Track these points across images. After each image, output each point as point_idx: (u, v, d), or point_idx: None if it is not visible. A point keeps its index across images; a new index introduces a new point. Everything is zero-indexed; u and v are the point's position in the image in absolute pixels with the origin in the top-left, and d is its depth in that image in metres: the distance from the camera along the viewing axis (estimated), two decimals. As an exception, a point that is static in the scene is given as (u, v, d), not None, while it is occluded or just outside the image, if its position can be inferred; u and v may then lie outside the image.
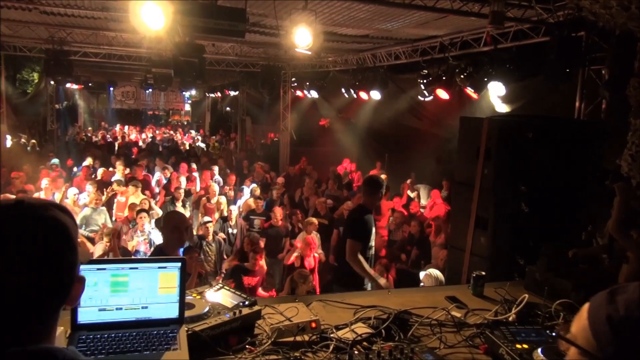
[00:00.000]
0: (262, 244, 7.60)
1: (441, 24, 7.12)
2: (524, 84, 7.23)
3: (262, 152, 16.89)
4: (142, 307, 2.12)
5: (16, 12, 7.98)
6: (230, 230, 8.70)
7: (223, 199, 9.72)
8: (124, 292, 2.09)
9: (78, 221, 8.16)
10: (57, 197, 8.94)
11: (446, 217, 9.39)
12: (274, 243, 8.25)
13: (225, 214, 9.09)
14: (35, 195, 8.79)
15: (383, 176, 11.14)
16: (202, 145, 20.36)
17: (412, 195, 10.46)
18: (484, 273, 3.26)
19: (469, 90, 7.43)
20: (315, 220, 8.00)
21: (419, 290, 3.68)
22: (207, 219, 8.21)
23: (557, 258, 3.39)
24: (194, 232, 7.84)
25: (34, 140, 16.08)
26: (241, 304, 2.65)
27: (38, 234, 1.02)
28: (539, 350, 2.05)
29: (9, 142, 13.55)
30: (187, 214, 8.82)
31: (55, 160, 12.16)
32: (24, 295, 1.00)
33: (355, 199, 9.15)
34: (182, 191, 9.59)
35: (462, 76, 7.44)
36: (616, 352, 0.93)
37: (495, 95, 7.34)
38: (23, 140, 15.44)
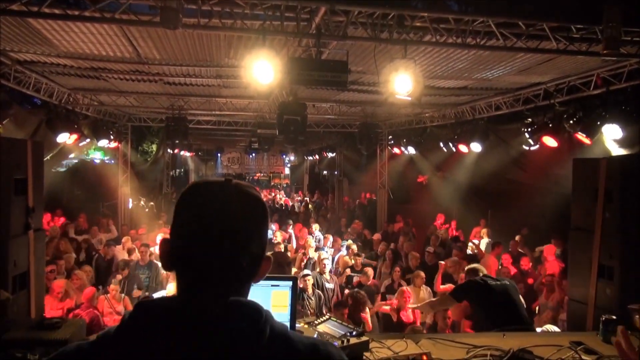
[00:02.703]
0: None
1: (545, 69, 6.90)
2: (644, 125, 6.68)
3: (359, 211, 16.97)
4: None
5: (144, 85, 9.09)
6: (326, 285, 8.64)
7: (323, 253, 9.80)
8: (238, 309, 2.15)
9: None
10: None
11: (560, 276, 8.63)
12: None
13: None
14: (152, 249, 9.54)
15: (484, 232, 10.62)
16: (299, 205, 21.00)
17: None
18: (615, 317, 2.92)
19: (580, 136, 6.99)
20: (422, 273, 7.76)
21: (539, 334, 3.35)
22: (306, 272, 8.29)
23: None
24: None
25: (152, 203, 17.61)
26: (349, 333, 2.60)
27: (244, 208, 1.11)
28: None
29: (130, 204, 14.98)
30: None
31: None
32: (230, 260, 1.08)
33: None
34: (281, 246, 9.84)
35: (571, 121, 7.05)
36: None
37: (611, 139, 6.83)
38: (142, 202, 16.97)
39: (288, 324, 2.17)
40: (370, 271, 8.51)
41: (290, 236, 11.84)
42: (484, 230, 10.91)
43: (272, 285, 2.18)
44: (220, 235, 1.07)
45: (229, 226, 1.08)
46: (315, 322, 2.77)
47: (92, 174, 15.66)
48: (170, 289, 7.36)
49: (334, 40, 5.33)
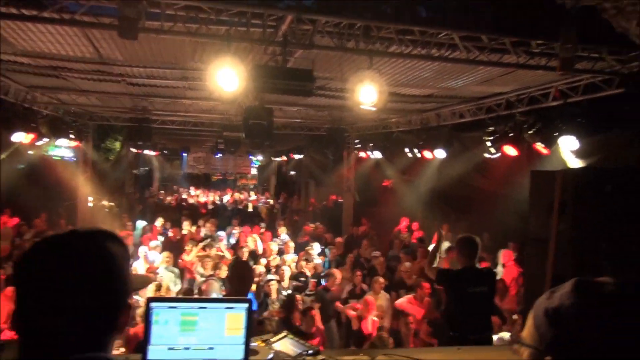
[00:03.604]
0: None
1: (506, 81, 7.08)
2: (599, 137, 6.93)
3: (323, 214, 17.00)
4: (209, 348, 2.12)
5: (107, 84, 8.84)
6: (282, 292, 8.54)
7: (286, 260, 9.74)
8: (192, 332, 2.11)
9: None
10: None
11: (517, 281, 8.86)
12: (325, 306, 7.63)
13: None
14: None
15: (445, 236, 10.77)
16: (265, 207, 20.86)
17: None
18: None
19: (539, 146, 7.21)
20: (382, 280, 7.79)
21: (491, 349, 3.43)
22: (270, 277, 8.25)
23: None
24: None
25: (112, 203, 17.18)
26: (304, 352, 2.59)
27: (88, 261, 1.08)
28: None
29: (90, 204, 14.55)
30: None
31: (143, 223, 12.90)
32: (75, 320, 1.05)
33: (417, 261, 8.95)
34: (245, 250, 9.73)
35: (530, 132, 7.26)
36: (554, 339, 1.07)
37: (568, 150, 7.06)
38: (104, 202, 16.54)
39: (243, 348, 2.14)
40: (338, 274, 8.39)
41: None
42: (445, 234, 11.04)
43: (226, 308, 2.15)
44: (59, 296, 1.04)
45: (72, 284, 1.05)
46: (272, 340, 2.75)
47: (51, 172, 15.08)
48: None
49: (300, 49, 5.32)
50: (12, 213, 11.95)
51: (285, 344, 2.68)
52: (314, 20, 4.87)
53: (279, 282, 8.28)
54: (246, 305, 2.17)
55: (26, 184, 14.23)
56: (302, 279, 8.81)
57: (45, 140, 11.00)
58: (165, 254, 8.98)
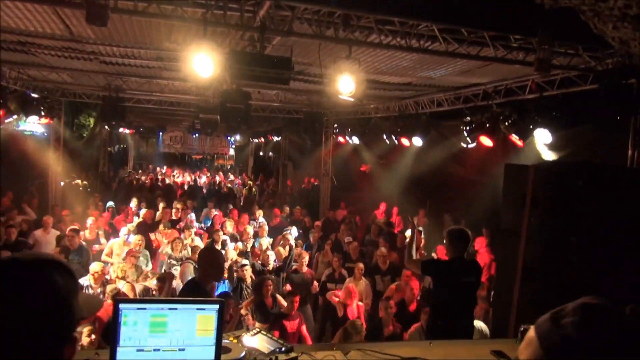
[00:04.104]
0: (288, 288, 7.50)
1: (484, 72, 7.12)
2: (572, 131, 7.05)
3: (301, 197, 17.00)
4: (180, 349, 2.11)
5: (78, 62, 8.55)
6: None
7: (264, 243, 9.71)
8: (162, 333, 2.09)
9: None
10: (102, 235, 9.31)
11: (489, 267, 9.07)
12: (298, 290, 7.68)
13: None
14: (81, 233, 9.13)
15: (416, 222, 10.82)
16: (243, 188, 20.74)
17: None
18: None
19: (514, 138, 7.30)
20: (361, 265, 7.88)
21: (463, 343, 3.50)
22: (244, 261, 8.21)
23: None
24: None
25: (85, 182, 16.80)
26: (277, 349, 2.60)
27: (27, 292, 1.03)
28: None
29: (62, 183, 14.22)
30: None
31: (111, 203, 12.66)
32: (16, 350, 1.00)
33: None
34: (220, 233, 9.66)
35: (506, 123, 7.33)
36: None
37: (542, 142, 7.17)
38: (77, 181, 16.17)
39: (214, 349, 2.13)
40: (305, 256, 8.42)
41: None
42: (420, 220, 11.16)
43: (197, 309, 2.13)
44: (3, 325, 1.00)
45: (13, 315, 1.01)
46: (244, 336, 2.74)
47: (21, 149, 14.59)
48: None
49: (278, 36, 5.22)
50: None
51: (257, 340, 2.68)
52: (293, 7, 4.78)
53: (263, 266, 8.30)
54: (217, 306, 2.15)
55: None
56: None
57: (14, 117, 10.66)
58: (138, 237, 8.86)
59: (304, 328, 6.51)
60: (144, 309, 2.07)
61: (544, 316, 1.08)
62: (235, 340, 2.68)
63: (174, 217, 11.34)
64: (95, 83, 10.56)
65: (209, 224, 11.55)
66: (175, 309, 2.11)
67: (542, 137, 6.97)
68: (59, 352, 1.07)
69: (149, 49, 7.27)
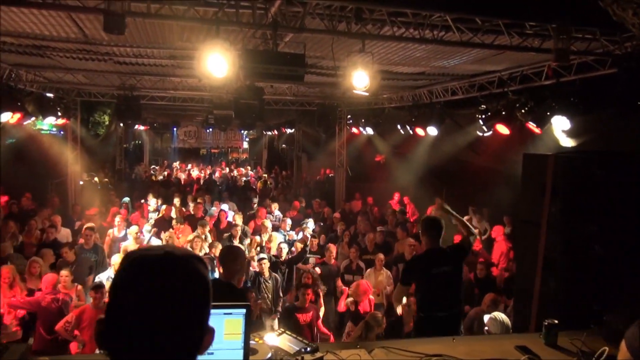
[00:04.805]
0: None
1: (499, 60, 7.02)
2: (591, 117, 6.93)
3: (317, 188, 17.02)
4: (208, 353, 2.14)
5: (93, 63, 8.64)
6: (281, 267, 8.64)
7: (278, 236, 9.76)
8: (191, 338, 2.13)
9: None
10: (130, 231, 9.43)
11: (507, 256, 9.03)
12: (325, 282, 7.97)
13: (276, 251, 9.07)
14: (110, 231, 9.28)
15: (434, 212, 10.72)
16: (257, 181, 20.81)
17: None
18: (557, 322, 3.08)
19: (531, 125, 7.21)
20: (381, 256, 7.91)
21: (486, 338, 3.51)
22: (262, 255, 8.28)
23: None
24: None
25: (106, 179, 17.02)
26: (303, 349, 2.63)
27: (185, 286, 1.09)
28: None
29: (81, 182, 14.42)
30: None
31: (126, 199, 12.80)
32: (168, 342, 1.06)
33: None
34: (239, 228, 9.74)
35: (523, 111, 7.24)
36: None
37: (560, 129, 7.07)
38: (96, 179, 16.38)
39: (242, 352, 2.17)
40: (333, 248, 8.54)
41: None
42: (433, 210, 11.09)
43: (224, 314, 2.16)
44: (157, 319, 1.05)
45: (167, 309, 1.06)
46: (269, 336, 2.78)
47: (39, 148, 14.79)
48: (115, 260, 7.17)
49: (290, 32, 5.20)
50: (1, 191, 11.80)
51: (283, 340, 2.72)
52: (304, 3, 4.75)
53: (277, 258, 8.37)
54: (244, 310, 2.19)
55: (13, 160, 14.03)
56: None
57: (32, 119, 10.82)
58: (167, 234, 8.99)
59: (318, 321, 6.55)
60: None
61: (634, 325, 1.14)
62: (261, 341, 2.72)
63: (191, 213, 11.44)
64: (109, 82, 10.67)
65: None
66: (203, 314, 2.15)
67: (559, 124, 6.87)
68: (203, 338, 1.14)
69: (162, 48, 7.31)
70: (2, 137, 12.31)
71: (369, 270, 7.94)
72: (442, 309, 4.71)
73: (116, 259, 6.79)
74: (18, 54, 7.94)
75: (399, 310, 5.06)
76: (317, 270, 8.23)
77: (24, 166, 14.92)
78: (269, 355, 2.53)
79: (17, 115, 9.36)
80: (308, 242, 8.94)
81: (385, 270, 7.86)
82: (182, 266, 1.11)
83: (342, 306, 7.25)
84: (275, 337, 2.77)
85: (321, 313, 7.04)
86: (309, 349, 2.62)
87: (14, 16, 5.67)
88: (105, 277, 6.98)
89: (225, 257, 4.08)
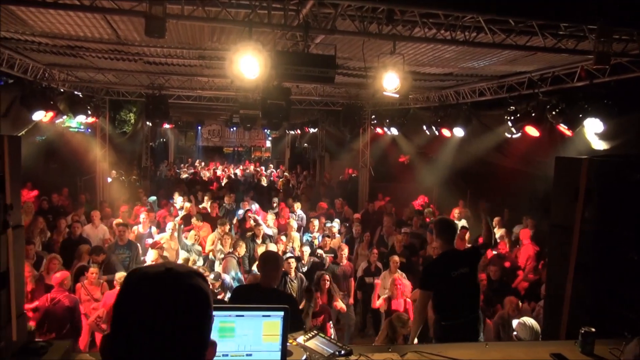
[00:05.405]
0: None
1: (531, 60, 6.91)
2: (625, 120, 6.77)
3: (340, 188, 16.99)
4: (247, 354, 2.17)
5: (123, 63, 8.81)
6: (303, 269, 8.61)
7: (296, 235, 9.78)
8: (230, 338, 2.16)
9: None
10: (153, 232, 9.56)
11: (534, 260, 8.86)
12: (337, 283, 7.77)
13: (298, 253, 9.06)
14: (134, 228, 9.44)
15: (457, 213, 10.56)
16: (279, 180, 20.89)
17: (497, 235, 9.94)
18: (594, 330, 3.02)
19: (562, 127, 7.07)
20: (397, 259, 7.84)
21: (519, 344, 3.46)
22: (289, 255, 8.32)
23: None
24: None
25: (134, 177, 17.30)
26: (337, 352, 2.64)
27: (185, 302, 1.11)
28: None
29: (109, 179, 14.70)
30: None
31: (153, 198, 13.00)
32: (172, 357, 1.08)
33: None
34: (261, 228, 9.77)
35: (553, 112, 7.11)
36: None
37: (592, 132, 6.92)
38: (123, 177, 16.67)
39: (279, 354, 2.19)
40: (345, 249, 8.45)
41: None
42: (461, 211, 10.96)
43: (263, 316, 2.19)
44: (161, 334, 1.08)
45: (170, 324, 1.08)
46: (303, 338, 2.79)
47: (68, 146, 15.11)
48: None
49: (322, 34, 5.21)
50: (31, 187, 12.10)
51: (317, 343, 2.73)
52: (336, 4, 4.76)
53: (297, 260, 8.38)
54: (282, 313, 2.21)
55: (44, 157, 14.38)
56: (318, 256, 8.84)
57: (64, 117, 11.08)
58: (193, 232, 9.12)
59: (329, 324, 6.55)
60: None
61: None
62: (294, 343, 2.74)
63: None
64: (138, 82, 10.85)
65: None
66: (242, 315, 2.18)
67: (592, 127, 6.72)
68: (208, 353, 1.16)
69: (192, 49, 7.40)
70: (35, 134, 12.64)
71: (383, 272, 7.84)
72: (463, 314, 4.63)
73: (151, 256, 6.91)
74: (52, 54, 8.15)
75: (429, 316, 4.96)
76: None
77: (54, 163, 15.30)
78: (304, 357, 2.55)
79: (50, 114, 9.58)
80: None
81: (401, 272, 7.78)
82: (183, 282, 1.13)
83: (377, 304, 7.22)
84: (308, 339, 2.79)
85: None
86: (342, 351, 2.63)
87: (51, 18, 5.82)
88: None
89: (266, 264, 4.14)
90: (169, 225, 9.04)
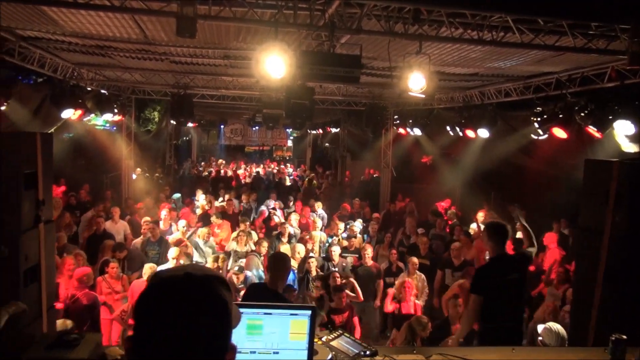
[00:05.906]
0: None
1: (559, 61, 6.78)
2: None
3: (362, 188, 16.95)
4: (274, 352, 2.19)
5: (150, 62, 8.95)
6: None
7: (319, 235, 9.78)
8: (258, 336, 2.18)
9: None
10: (174, 229, 9.67)
11: (558, 263, 8.69)
12: (363, 284, 7.65)
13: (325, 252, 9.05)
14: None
15: (482, 217, 10.41)
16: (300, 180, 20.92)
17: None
18: (625, 337, 2.96)
19: (591, 129, 6.92)
20: (416, 260, 7.78)
21: (547, 350, 3.41)
22: (311, 254, 8.35)
23: None
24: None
25: (157, 174, 17.55)
26: (362, 353, 2.64)
27: (204, 308, 1.12)
28: None
29: (134, 176, 14.94)
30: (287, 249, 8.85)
31: (177, 195, 13.17)
32: (199, 356, 1.09)
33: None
34: (287, 226, 9.81)
35: (582, 114, 6.96)
36: None
37: (622, 134, 6.76)
38: (147, 174, 16.93)
39: (306, 352, 2.20)
40: (369, 249, 8.39)
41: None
42: (486, 215, 10.81)
43: (290, 315, 2.20)
44: (181, 338, 1.09)
45: (187, 332, 1.09)
46: (328, 338, 2.80)
47: (95, 144, 15.39)
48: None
49: (347, 34, 5.21)
50: (59, 182, 12.35)
51: (342, 343, 2.73)
52: (362, 4, 4.75)
53: (327, 260, 8.36)
54: (309, 312, 2.22)
55: (72, 154, 14.69)
56: (345, 254, 8.82)
57: (92, 115, 11.31)
58: (205, 230, 9.19)
59: (355, 319, 6.54)
60: (241, 313, 2.16)
61: None
62: (320, 342, 2.75)
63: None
64: (164, 81, 11.01)
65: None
66: (270, 314, 2.20)
67: (623, 129, 6.56)
68: (227, 358, 1.17)
69: (217, 49, 7.48)
70: (64, 131, 12.93)
71: (402, 274, 7.76)
72: (510, 318, 4.57)
73: (173, 253, 7.00)
74: (82, 53, 8.33)
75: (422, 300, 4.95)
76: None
77: (81, 160, 15.63)
78: (329, 356, 2.56)
79: (79, 112, 9.80)
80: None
81: (419, 273, 7.70)
82: (202, 288, 1.14)
83: (388, 307, 7.20)
84: (333, 339, 2.79)
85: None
86: (367, 352, 2.62)
87: (82, 18, 5.94)
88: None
89: (273, 266, 4.22)
90: (181, 224, 9.13)
